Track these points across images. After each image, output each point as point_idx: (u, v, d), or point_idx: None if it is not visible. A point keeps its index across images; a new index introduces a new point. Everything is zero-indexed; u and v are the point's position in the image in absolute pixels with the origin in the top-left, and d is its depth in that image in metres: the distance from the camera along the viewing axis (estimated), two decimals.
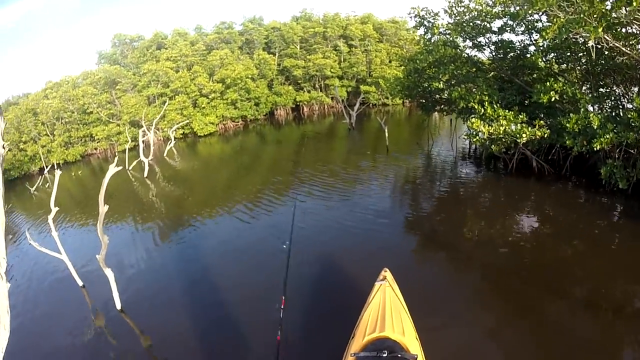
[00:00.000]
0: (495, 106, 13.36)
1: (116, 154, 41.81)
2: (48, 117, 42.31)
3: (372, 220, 13.21)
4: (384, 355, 5.29)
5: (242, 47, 52.21)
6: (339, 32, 51.78)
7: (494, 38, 16.70)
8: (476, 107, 13.67)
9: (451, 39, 15.92)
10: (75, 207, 22.54)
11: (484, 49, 17.18)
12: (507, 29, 15.49)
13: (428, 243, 11.77)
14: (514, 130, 12.49)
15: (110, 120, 43.03)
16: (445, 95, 18.74)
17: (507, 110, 13.26)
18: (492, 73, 17.17)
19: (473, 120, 13.11)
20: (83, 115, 43.21)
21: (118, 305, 9.85)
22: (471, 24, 15.75)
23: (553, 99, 12.32)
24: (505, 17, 15.37)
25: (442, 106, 20.69)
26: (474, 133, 13.64)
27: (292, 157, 25.95)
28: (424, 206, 14.54)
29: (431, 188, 16.31)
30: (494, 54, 17.17)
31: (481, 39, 16.95)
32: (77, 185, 30.75)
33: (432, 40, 16.64)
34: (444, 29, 15.99)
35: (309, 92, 51.44)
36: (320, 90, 51.91)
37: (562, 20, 10.83)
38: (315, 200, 15.91)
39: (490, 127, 12.79)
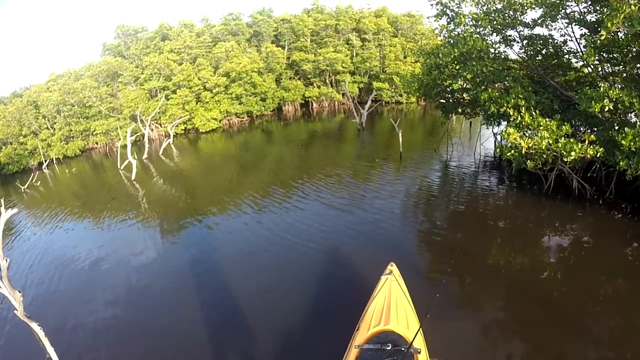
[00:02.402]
0: (534, 113, 10.88)
1: (115, 149, 40.25)
2: (49, 110, 40.74)
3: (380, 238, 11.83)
4: (388, 348, 5.38)
5: (250, 39, 49.93)
6: (351, 25, 49.12)
7: (526, 32, 14.40)
8: (511, 113, 11.19)
9: (479, 30, 13.49)
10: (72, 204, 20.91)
11: (513, 44, 14.81)
12: (547, 20, 13.05)
13: (443, 267, 10.11)
14: (559, 145, 9.97)
15: (111, 114, 41.18)
16: (469, 96, 16.30)
17: (547, 119, 10.77)
18: (522, 72, 14.71)
19: (510, 130, 10.53)
20: (83, 108, 41.43)
21: None
22: (501, 14, 13.38)
23: (607, 108, 9.86)
24: (541, 7, 12.96)
25: (465, 108, 18.21)
26: (509, 146, 11.10)
27: (297, 161, 23.79)
28: (440, 231, 12.31)
29: (450, 207, 14.02)
30: (524, 50, 14.79)
31: (511, 32, 14.60)
32: (75, 182, 28.89)
33: (457, 32, 14.22)
34: (471, 19, 13.60)
35: (318, 87, 48.94)
36: (331, 86, 49.41)
37: (633, 9, 8.42)
38: (315, 217, 13.97)
39: (529, 140, 10.29)
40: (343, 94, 47.83)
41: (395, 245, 11.41)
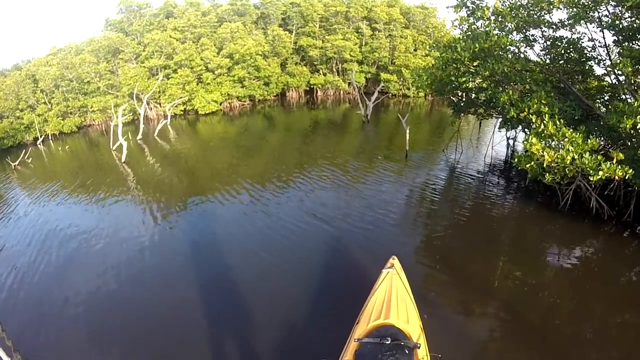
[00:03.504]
0: (557, 122, 9.75)
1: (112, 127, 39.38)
2: (47, 85, 39.49)
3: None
4: (387, 342, 5.36)
5: (257, 21, 48.44)
6: (362, 13, 47.54)
7: (549, 33, 13.30)
8: (533, 119, 10.06)
9: (502, 26, 12.32)
10: (59, 184, 19.98)
11: (534, 45, 13.66)
12: (577, 22, 11.87)
13: (442, 273, 9.75)
14: (585, 162, 8.86)
15: (109, 91, 40.00)
16: (485, 95, 15.11)
17: (572, 130, 9.63)
18: (541, 75, 13.57)
19: (533, 140, 9.34)
20: (82, 84, 40.18)
21: None
22: (525, 11, 12.25)
23: (639, 125, 8.80)
24: (569, 8, 11.81)
25: (478, 108, 17.03)
26: (527, 156, 9.95)
27: (296, 152, 22.64)
28: (444, 238, 11.33)
29: (456, 215, 12.91)
30: (546, 52, 13.68)
31: (534, 31, 13.45)
32: (66, 160, 27.85)
33: (477, 26, 13.05)
34: (493, 13, 12.43)
35: (324, 75, 47.59)
36: (337, 74, 48.04)
37: None
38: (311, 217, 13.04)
39: (553, 153, 9.18)
40: (349, 84, 46.51)
41: (398, 243, 11.12)
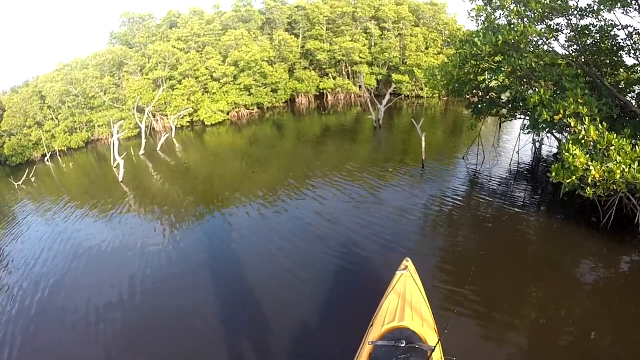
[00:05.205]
0: (600, 126, 8.04)
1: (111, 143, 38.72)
2: (53, 100, 38.94)
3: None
4: (402, 345, 5.27)
5: (262, 26, 47.28)
6: (370, 12, 46.01)
7: (575, 21, 11.70)
8: (572, 123, 8.37)
9: (527, 14, 10.71)
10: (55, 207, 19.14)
11: (558, 35, 12.02)
12: (614, 6, 10.21)
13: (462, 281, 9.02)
14: (638, 176, 7.08)
15: (114, 104, 39.25)
16: (510, 94, 13.41)
17: (617, 136, 7.79)
18: (571, 69, 11.83)
19: (576, 151, 7.48)
20: (87, 99, 39.57)
21: None
22: None
23: None
24: None
25: (500, 109, 15.30)
26: (568, 170, 8.12)
27: (306, 163, 21.21)
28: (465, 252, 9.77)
29: (484, 231, 11.43)
30: (574, 42, 12.08)
31: (560, 20, 11.81)
32: (69, 178, 26.99)
33: (496, 16, 11.45)
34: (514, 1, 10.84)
35: (334, 78, 46.09)
36: (347, 77, 46.52)
37: None
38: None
39: (600, 167, 7.41)
40: (360, 86, 44.95)
41: (414, 250, 10.52)
